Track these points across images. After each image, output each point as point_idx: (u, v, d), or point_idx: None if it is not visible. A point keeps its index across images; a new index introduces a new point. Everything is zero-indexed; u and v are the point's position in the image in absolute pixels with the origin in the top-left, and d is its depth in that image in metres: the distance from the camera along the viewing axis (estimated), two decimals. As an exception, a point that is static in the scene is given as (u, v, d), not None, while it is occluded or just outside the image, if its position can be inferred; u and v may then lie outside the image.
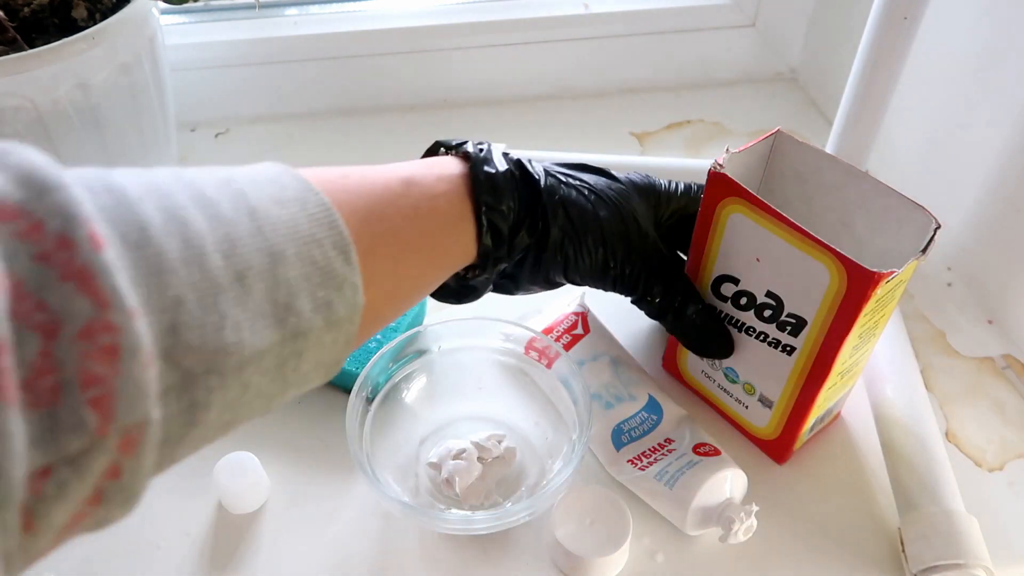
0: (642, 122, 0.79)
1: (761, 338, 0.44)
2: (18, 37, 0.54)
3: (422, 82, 0.81)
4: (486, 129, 0.78)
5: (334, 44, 0.78)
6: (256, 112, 0.80)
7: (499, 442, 0.48)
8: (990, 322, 0.59)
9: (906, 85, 0.60)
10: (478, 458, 0.47)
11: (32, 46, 0.53)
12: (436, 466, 0.48)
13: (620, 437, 0.48)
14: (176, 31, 0.78)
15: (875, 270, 0.37)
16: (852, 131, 0.61)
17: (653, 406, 0.49)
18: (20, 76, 0.51)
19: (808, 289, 0.40)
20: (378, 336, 0.53)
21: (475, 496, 0.46)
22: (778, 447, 0.48)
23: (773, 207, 0.39)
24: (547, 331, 0.53)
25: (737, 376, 0.47)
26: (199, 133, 0.78)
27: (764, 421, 0.48)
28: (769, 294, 0.42)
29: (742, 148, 0.43)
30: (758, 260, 0.42)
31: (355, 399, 0.46)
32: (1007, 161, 0.56)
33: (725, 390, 0.49)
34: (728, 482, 0.44)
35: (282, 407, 0.53)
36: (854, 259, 0.37)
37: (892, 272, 0.37)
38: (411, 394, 0.51)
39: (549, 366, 0.50)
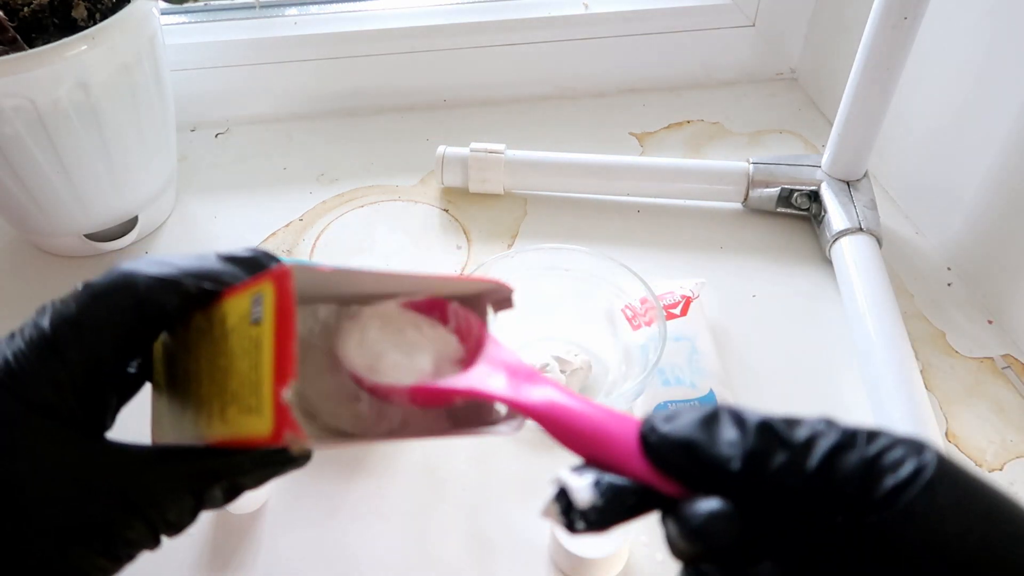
0: (642, 122, 0.79)
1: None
2: (18, 37, 0.54)
3: (422, 82, 0.81)
4: (486, 129, 0.78)
5: (334, 44, 0.78)
6: (256, 112, 0.80)
7: (575, 355, 0.52)
8: (990, 322, 0.59)
9: (906, 85, 0.60)
10: (559, 370, 0.51)
11: (32, 46, 0.53)
12: None
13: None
14: (176, 31, 0.78)
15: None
16: (852, 131, 0.61)
17: (710, 400, 0.50)
18: (20, 76, 0.51)
19: None
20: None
21: None
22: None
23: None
24: (643, 300, 0.54)
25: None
26: (199, 133, 0.78)
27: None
28: None
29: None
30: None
31: None
32: (1007, 161, 0.56)
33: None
34: None
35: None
36: None
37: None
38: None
39: (635, 329, 0.52)
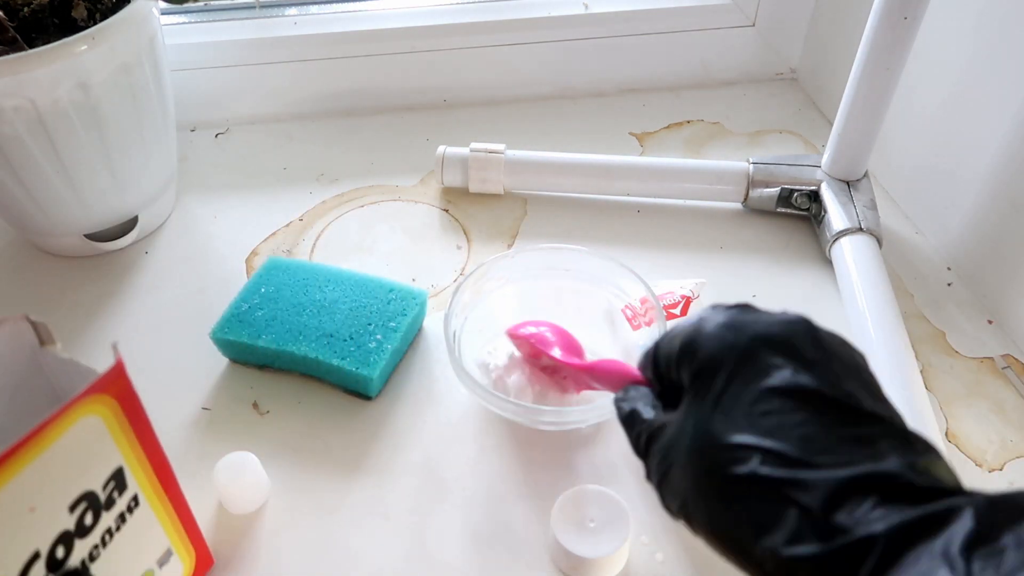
0: (642, 122, 0.79)
1: (101, 547, 0.35)
2: (18, 37, 0.54)
3: (422, 82, 0.81)
4: (486, 129, 0.78)
5: (334, 44, 0.78)
6: (256, 112, 0.80)
7: None
8: (990, 322, 0.59)
9: (906, 85, 0.60)
10: None
11: (32, 46, 0.53)
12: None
13: None
14: (176, 31, 0.78)
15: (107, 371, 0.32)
16: (852, 131, 0.61)
17: None
18: (20, 76, 0.51)
19: (89, 459, 0.33)
20: (377, 336, 0.53)
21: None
22: (202, 562, 0.44)
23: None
24: (643, 300, 0.54)
25: None
26: (199, 133, 0.78)
27: (180, 569, 0.41)
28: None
29: None
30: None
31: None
32: (1007, 161, 0.56)
33: None
34: None
35: (282, 407, 0.53)
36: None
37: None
38: (501, 310, 0.55)
39: (635, 329, 0.52)
